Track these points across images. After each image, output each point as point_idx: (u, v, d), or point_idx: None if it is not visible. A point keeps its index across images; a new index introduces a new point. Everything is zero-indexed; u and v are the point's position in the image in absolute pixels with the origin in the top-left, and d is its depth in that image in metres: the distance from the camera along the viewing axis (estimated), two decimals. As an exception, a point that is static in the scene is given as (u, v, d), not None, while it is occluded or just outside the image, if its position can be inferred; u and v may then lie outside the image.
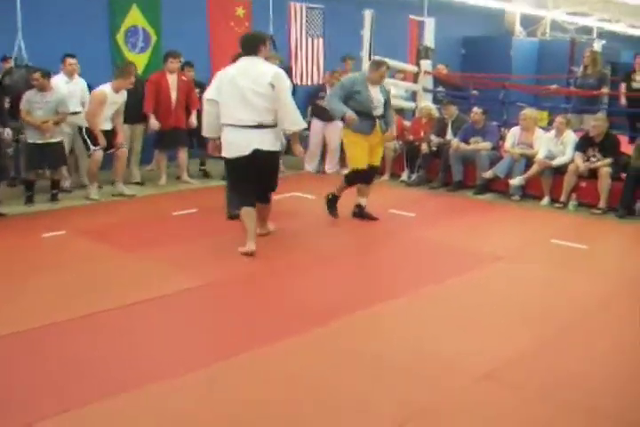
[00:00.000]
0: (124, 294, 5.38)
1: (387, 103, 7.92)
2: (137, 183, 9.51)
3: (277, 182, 6.80)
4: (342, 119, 7.63)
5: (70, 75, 9.09)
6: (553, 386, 4.04)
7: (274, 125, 6.39)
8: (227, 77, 6.39)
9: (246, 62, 6.41)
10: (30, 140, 8.30)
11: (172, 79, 9.62)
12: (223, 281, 5.78)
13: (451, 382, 4.06)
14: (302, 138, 11.94)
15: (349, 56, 11.64)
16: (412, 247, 6.96)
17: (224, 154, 6.51)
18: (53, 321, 4.83)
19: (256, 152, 6.32)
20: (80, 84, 9.24)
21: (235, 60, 6.73)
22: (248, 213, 6.49)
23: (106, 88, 8.64)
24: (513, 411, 3.77)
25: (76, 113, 9.02)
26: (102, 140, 8.57)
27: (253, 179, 6.48)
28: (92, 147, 8.64)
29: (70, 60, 9.04)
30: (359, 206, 7.96)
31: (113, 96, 8.65)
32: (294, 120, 6.42)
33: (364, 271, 6.31)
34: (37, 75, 8.24)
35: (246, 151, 6.32)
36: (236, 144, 6.36)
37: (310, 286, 5.78)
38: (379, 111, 7.75)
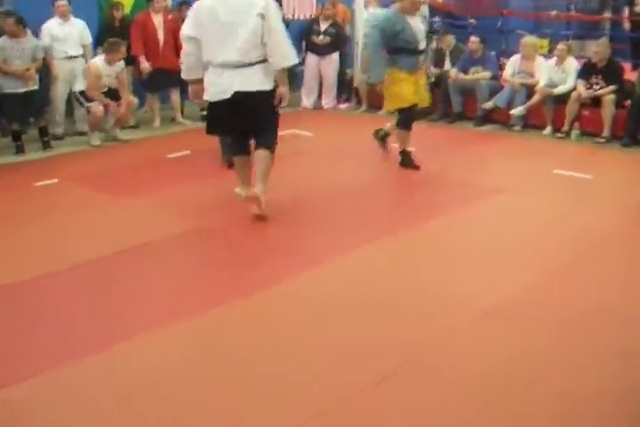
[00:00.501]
0: (117, 241, 5.29)
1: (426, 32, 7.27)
2: (131, 127, 9.30)
3: (273, 127, 5.84)
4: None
5: (63, 16, 8.80)
6: (557, 321, 3.95)
7: (263, 61, 5.56)
8: (206, 10, 5.51)
9: None
10: (9, 91, 8.08)
11: (158, 19, 9.34)
12: (220, 224, 5.66)
13: (451, 321, 3.99)
14: (296, 75, 11.82)
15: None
16: (411, 181, 6.84)
17: (206, 97, 5.72)
18: (46, 272, 4.74)
19: (238, 94, 5.50)
20: (76, 25, 8.93)
21: None
22: (240, 160, 5.95)
23: (98, 61, 8.48)
24: (516, 347, 3.70)
25: (74, 57, 8.82)
26: (104, 101, 8.46)
27: (240, 124, 5.71)
28: (85, 103, 8.49)
29: (60, 2, 8.75)
30: (404, 151, 7.32)
31: (106, 69, 8.46)
32: (286, 53, 5.59)
33: (363, 208, 6.10)
34: (11, 21, 7.97)
35: (227, 94, 5.53)
36: (218, 85, 5.56)
37: (308, 225, 5.67)
38: (423, 44, 7.13)
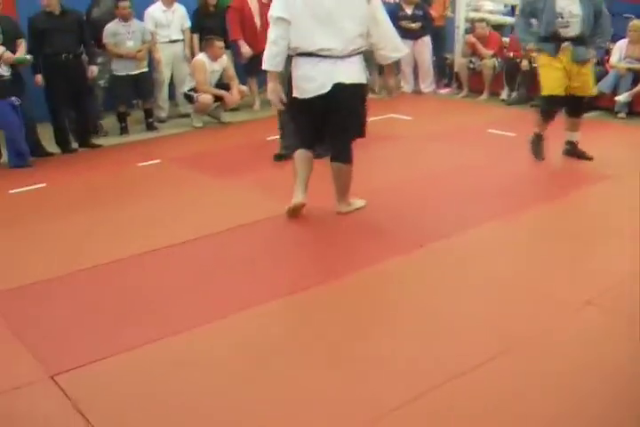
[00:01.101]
0: (218, 221, 5.38)
1: (597, 16, 6.33)
2: (232, 109, 9.41)
3: (363, 128, 5.28)
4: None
5: (170, 3, 9.01)
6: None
7: (362, 52, 5.09)
8: None
9: None
10: (121, 73, 8.34)
11: (254, 4, 9.40)
12: (316, 206, 5.56)
13: (551, 312, 3.91)
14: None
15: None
16: (515, 165, 6.69)
17: (295, 93, 5.07)
18: (151, 248, 4.89)
19: (338, 87, 4.93)
20: (178, 11, 9.16)
21: None
22: (302, 156, 5.28)
23: (202, 57, 8.63)
24: (618, 335, 3.62)
25: (175, 41, 9.04)
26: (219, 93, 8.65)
27: (319, 124, 5.18)
28: (194, 95, 8.65)
29: None
30: (570, 143, 6.83)
31: (211, 65, 8.63)
32: (397, 45, 5.18)
33: (467, 192, 5.98)
34: (126, 4, 8.22)
35: (326, 88, 4.93)
36: (314, 80, 4.94)
37: (408, 208, 5.61)
38: (570, 30, 6.33)
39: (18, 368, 3.45)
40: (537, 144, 6.79)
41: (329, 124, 5.15)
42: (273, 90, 5.07)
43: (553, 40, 6.41)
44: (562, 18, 6.32)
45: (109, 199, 6.07)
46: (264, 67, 5.06)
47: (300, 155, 5.28)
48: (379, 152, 7.12)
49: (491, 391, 3.16)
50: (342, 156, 5.23)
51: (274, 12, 4.91)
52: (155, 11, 8.94)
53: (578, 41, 6.36)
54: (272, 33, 4.94)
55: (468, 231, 5.03)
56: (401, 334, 3.70)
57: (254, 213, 5.52)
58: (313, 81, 4.94)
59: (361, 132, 5.27)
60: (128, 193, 6.26)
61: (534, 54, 6.86)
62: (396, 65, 10.53)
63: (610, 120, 8.70)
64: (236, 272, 4.49)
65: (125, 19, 8.29)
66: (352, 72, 4.98)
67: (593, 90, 6.77)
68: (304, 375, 3.32)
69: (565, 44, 6.35)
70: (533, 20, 6.69)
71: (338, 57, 4.89)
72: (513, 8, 11.59)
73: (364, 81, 5.17)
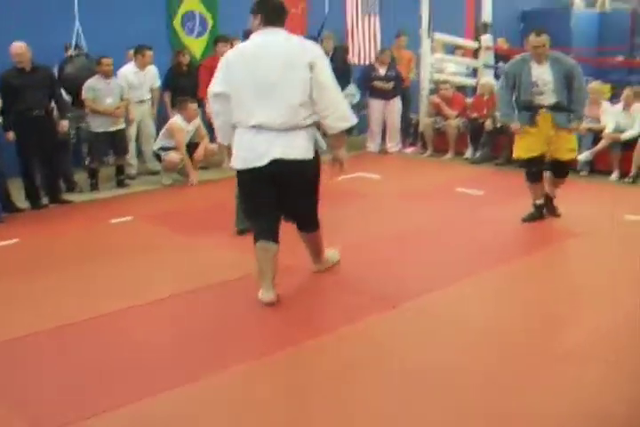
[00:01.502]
0: (194, 279, 5.36)
1: (570, 84, 6.45)
2: (201, 168, 9.47)
3: (315, 206, 4.94)
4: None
5: (144, 66, 9.15)
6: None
7: (310, 125, 4.63)
8: (241, 59, 4.60)
9: (270, 37, 4.59)
10: (98, 130, 8.39)
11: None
12: (295, 265, 5.55)
13: (529, 364, 3.98)
14: (359, 118, 11.97)
15: (402, 32, 11.50)
16: (482, 223, 6.83)
17: (232, 163, 4.74)
18: (128, 306, 4.86)
19: (276, 163, 4.53)
20: (150, 71, 9.34)
21: (247, 36, 4.89)
22: (263, 249, 4.70)
23: (178, 120, 8.74)
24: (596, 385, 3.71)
25: (144, 101, 9.16)
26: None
27: (273, 200, 4.73)
28: (163, 154, 8.74)
29: (149, 53, 9.15)
30: (546, 196, 6.95)
31: (186, 125, 8.75)
32: (343, 114, 4.61)
33: (437, 250, 6.10)
34: (109, 61, 8.37)
35: (263, 161, 4.54)
36: (250, 150, 4.57)
37: (380, 266, 5.65)
38: (544, 98, 6.52)
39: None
40: (537, 214, 6.89)
41: (280, 204, 4.77)
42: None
43: (530, 109, 6.59)
44: (537, 86, 6.48)
45: (83, 256, 6.02)
46: (218, 141, 5.02)
47: (260, 250, 4.72)
48: (349, 210, 7.25)
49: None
50: (307, 226, 5.00)
51: (212, 86, 4.70)
52: (127, 72, 9.05)
53: (555, 108, 6.51)
54: (212, 108, 4.83)
55: (441, 290, 5.07)
56: (378, 392, 3.71)
57: (229, 272, 5.48)
58: (251, 151, 4.57)
59: (310, 212, 4.95)
60: (102, 250, 6.21)
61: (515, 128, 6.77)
62: (365, 124, 10.83)
63: (573, 178, 8.88)
64: (211, 332, 4.46)
65: (107, 76, 8.37)
66: (294, 147, 4.55)
67: (572, 154, 6.87)
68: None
69: (543, 110, 6.52)
70: None
71: (279, 130, 4.51)
72: (474, 70, 11.97)
73: (309, 156, 4.61)
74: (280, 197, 4.71)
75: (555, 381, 3.76)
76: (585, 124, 9.06)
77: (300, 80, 4.45)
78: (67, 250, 6.24)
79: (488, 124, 9.86)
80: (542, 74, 6.46)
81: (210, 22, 11.09)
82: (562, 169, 6.85)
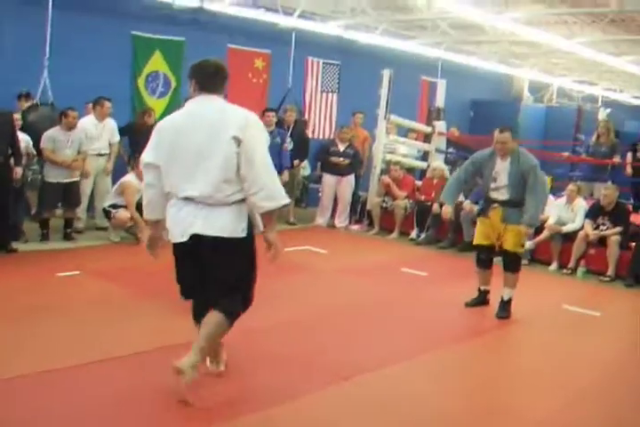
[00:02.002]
0: (137, 342, 5.33)
1: (528, 183, 6.46)
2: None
3: (243, 288, 4.40)
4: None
5: (103, 118, 9.23)
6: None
7: (241, 200, 4.22)
8: (170, 128, 4.29)
9: (202, 105, 4.27)
10: (53, 180, 8.39)
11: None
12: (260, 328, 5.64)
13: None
14: (309, 192, 12.19)
15: (359, 111, 11.90)
16: (426, 304, 6.98)
17: (169, 237, 4.36)
18: (54, 368, 4.74)
19: (197, 238, 4.19)
20: (109, 125, 9.41)
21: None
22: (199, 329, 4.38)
23: (131, 179, 8.78)
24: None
25: (102, 155, 9.21)
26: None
27: (197, 280, 4.39)
28: (113, 211, 8.73)
29: (108, 104, 9.23)
30: (501, 298, 6.82)
31: (139, 184, 8.74)
32: (271, 193, 4.13)
33: (388, 327, 6.18)
34: (75, 114, 8.43)
35: (184, 236, 4.21)
36: (175, 225, 4.26)
37: (324, 342, 5.71)
38: (499, 194, 6.63)
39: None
40: (480, 300, 7.01)
41: (203, 283, 4.38)
42: (150, 238, 4.52)
43: (486, 201, 6.82)
44: (494, 181, 6.61)
45: (28, 310, 5.90)
46: (145, 216, 4.58)
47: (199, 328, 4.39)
48: (297, 283, 7.37)
49: None
50: (220, 306, 4.29)
51: (143, 156, 4.37)
52: (87, 123, 9.09)
53: (508, 204, 6.60)
54: (145, 179, 4.45)
55: (373, 371, 5.08)
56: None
57: (174, 336, 5.33)
58: (176, 225, 4.26)
59: (244, 295, 4.41)
60: (48, 305, 6.08)
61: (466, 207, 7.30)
62: (316, 197, 11.03)
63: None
64: (152, 399, 4.38)
65: (69, 128, 8.41)
66: (214, 224, 4.17)
67: (518, 248, 6.79)
68: None
69: (494, 205, 6.66)
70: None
71: (204, 204, 4.17)
72: (425, 153, 12.34)
73: (238, 234, 4.20)
74: (206, 277, 4.34)
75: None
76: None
77: (223, 155, 4.08)
78: (11, 304, 6.10)
79: (435, 207, 10.07)
80: (502, 170, 6.56)
81: (173, 84, 11.27)
82: (509, 261, 6.79)
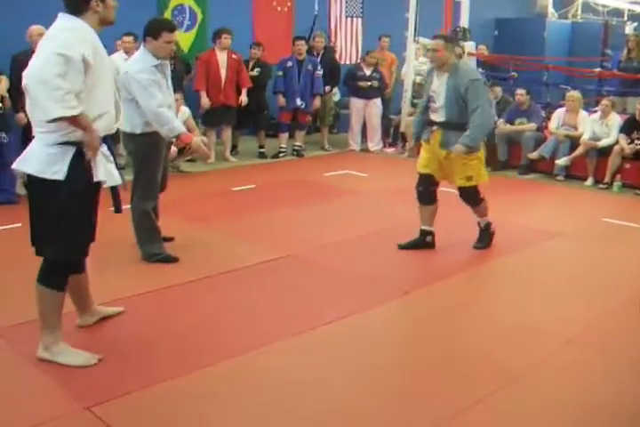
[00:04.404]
0: (206, 267, 5.55)
1: (468, 101, 5.61)
2: (188, 160, 9.61)
3: (52, 241, 3.80)
4: None
5: (127, 52, 9.26)
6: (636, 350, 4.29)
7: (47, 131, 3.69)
8: None
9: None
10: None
11: (222, 57, 9.73)
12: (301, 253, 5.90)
13: (539, 349, 4.28)
14: (340, 117, 12.26)
15: (384, 34, 11.92)
16: (469, 224, 7.07)
17: None
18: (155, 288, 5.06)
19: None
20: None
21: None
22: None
23: None
24: (600, 374, 4.00)
25: None
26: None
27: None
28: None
29: (125, 38, 9.22)
30: (478, 223, 6.33)
31: None
32: (44, 107, 3.50)
33: (430, 250, 6.25)
34: None
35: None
36: None
37: (384, 257, 5.92)
38: (437, 115, 5.84)
39: (52, 401, 3.56)
40: (417, 242, 6.19)
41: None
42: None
43: (427, 124, 6.01)
44: (434, 102, 5.85)
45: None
46: None
47: None
48: (345, 204, 7.54)
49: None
50: (39, 271, 3.89)
51: None
52: (117, 59, 9.13)
53: (447, 126, 5.80)
54: None
55: (441, 282, 5.38)
56: (404, 373, 3.99)
57: (242, 259, 5.71)
58: None
59: (53, 252, 3.82)
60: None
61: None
62: (347, 122, 11.14)
63: (549, 182, 9.30)
64: (237, 314, 4.72)
65: None
66: (29, 155, 3.77)
67: (464, 182, 5.98)
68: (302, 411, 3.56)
69: (434, 127, 5.89)
70: None
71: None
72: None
73: (40, 174, 3.69)
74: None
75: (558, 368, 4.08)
76: (563, 131, 9.51)
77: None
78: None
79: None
80: (438, 87, 5.79)
81: (199, 16, 11.24)
82: (463, 198, 6.13)
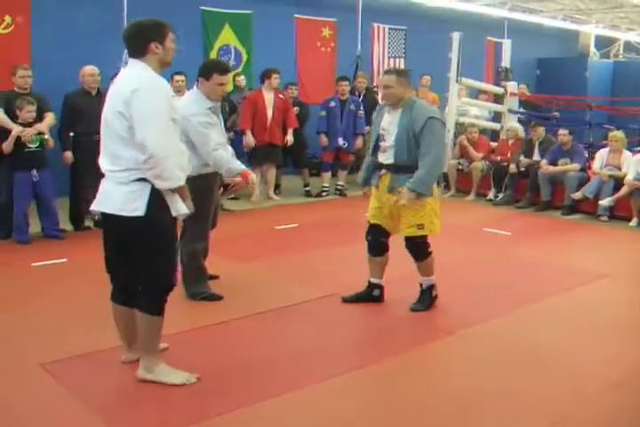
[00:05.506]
0: (253, 304, 5.60)
1: (422, 141, 5.07)
2: (232, 198, 9.72)
3: (152, 273, 3.98)
4: None
5: (178, 91, 9.41)
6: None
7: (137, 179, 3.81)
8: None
9: (124, 71, 4.05)
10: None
11: (269, 97, 9.91)
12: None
13: (587, 391, 4.24)
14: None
15: (425, 73, 12.15)
16: (515, 265, 7.08)
17: None
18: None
19: (104, 216, 3.98)
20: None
21: None
22: (113, 309, 4.25)
23: None
24: None
25: None
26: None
27: (113, 258, 4.11)
28: None
29: (177, 77, 9.36)
30: (420, 285, 5.67)
31: None
32: (162, 172, 3.72)
33: (474, 288, 6.29)
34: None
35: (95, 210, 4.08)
36: None
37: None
38: (386, 154, 5.28)
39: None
40: (363, 294, 5.71)
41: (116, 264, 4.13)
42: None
43: (378, 167, 5.44)
44: (383, 140, 5.31)
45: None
46: None
47: (112, 308, 4.24)
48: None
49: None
50: (138, 302, 4.05)
51: None
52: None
53: (395, 169, 5.25)
54: None
55: (486, 323, 5.36)
56: (448, 415, 3.98)
57: (287, 297, 5.76)
58: None
59: (157, 280, 4.01)
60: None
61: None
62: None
63: (593, 223, 9.24)
64: (280, 353, 4.73)
65: None
66: (113, 197, 3.84)
67: (412, 231, 5.32)
68: None
69: (382, 171, 5.35)
70: None
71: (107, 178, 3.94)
72: (495, 114, 12.39)
73: (129, 213, 3.79)
74: (114, 254, 4.10)
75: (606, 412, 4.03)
76: (606, 171, 9.48)
77: (114, 127, 3.81)
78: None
79: (512, 167, 10.19)
80: (389, 124, 5.26)
81: (245, 56, 11.49)
82: (409, 248, 5.48)
